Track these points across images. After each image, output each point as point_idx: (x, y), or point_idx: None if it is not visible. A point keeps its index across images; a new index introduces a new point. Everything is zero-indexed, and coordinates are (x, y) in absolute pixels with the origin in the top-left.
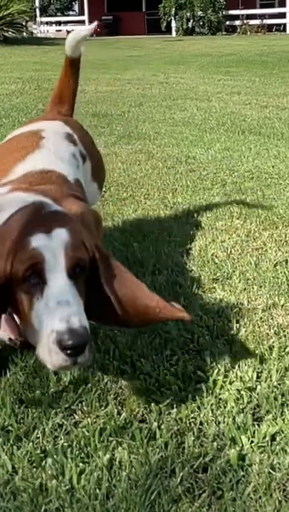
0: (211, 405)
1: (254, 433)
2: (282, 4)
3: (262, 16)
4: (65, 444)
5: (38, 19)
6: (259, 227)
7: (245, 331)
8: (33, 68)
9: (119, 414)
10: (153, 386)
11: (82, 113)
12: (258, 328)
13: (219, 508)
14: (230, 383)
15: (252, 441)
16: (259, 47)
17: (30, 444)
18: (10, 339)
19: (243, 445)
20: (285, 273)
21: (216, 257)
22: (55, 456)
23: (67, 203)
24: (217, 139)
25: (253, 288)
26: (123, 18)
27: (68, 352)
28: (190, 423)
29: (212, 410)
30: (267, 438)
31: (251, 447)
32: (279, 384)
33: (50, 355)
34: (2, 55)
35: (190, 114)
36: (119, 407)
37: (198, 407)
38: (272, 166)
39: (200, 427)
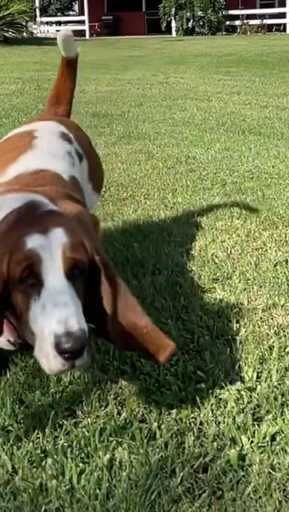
0: (211, 405)
1: (254, 433)
2: (282, 4)
3: (262, 16)
4: (65, 444)
5: (38, 19)
6: (259, 227)
7: (245, 331)
8: (33, 68)
9: (119, 414)
10: (153, 386)
11: (82, 113)
12: (258, 328)
13: (219, 508)
14: (231, 383)
15: (252, 442)
16: (259, 47)
17: (30, 444)
18: (9, 341)
19: (243, 445)
20: (285, 273)
21: (216, 257)
22: (55, 456)
23: (62, 203)
24: (217, 139)
25: (253, 288)
26: (123, 18)
27: (66, 356)
28: (190, 423)
29: (212, 410)
30: (267, 438)
31: (251, 447)
32: (279, 384)
33: (47, 358)
34: (2, 55)
35: (190, 114)
36: (119, 407)
37: (198, 407)
38: (272, 166)
39: (200, 427)
